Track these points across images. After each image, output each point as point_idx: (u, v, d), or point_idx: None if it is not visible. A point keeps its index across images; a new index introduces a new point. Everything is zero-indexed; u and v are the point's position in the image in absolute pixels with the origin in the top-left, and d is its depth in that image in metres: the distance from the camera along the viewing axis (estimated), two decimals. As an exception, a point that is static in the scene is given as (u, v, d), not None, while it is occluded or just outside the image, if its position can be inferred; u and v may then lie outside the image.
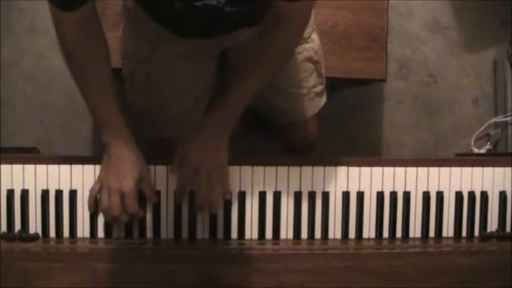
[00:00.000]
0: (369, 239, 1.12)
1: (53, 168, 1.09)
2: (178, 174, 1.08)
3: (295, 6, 0.97)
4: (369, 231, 1.12)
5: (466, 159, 1.20)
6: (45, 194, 1.08)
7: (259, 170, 1.10)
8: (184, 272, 0.99)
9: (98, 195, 1.07)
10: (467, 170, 1.13)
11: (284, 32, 1.03)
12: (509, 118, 1.79)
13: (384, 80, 1.56)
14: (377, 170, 1.12)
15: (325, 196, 1.11)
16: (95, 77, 1.05)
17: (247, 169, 1.10)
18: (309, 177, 1.11)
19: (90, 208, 1.08)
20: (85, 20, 1.00)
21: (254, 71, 1.07)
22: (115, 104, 1.07)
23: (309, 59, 1.28)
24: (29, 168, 1.08)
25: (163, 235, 1.09)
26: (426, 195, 1.12)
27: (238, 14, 1.03)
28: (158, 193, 1.09)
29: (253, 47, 1.07)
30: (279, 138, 1.50)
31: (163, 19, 1.13)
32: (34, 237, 1.07)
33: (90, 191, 1.08)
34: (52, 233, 1.09)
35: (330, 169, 1.11)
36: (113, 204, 1.04)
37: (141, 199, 1.07)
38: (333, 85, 1.50)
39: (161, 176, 1.10)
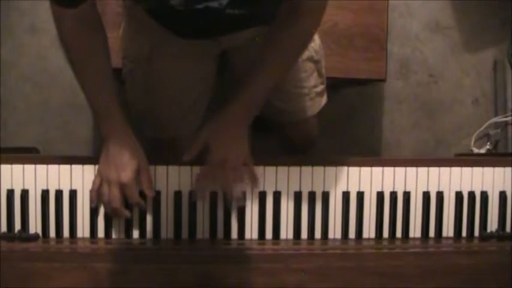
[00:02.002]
0: (368, 239, 1.12)
1: (53, 168, 1.09)
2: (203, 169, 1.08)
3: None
4: (369, 231, 1.12)
5: (466, 159, 1.20)
6: (45, 194, 1.08)
7: (259, 170, 1.10)
8: (184, 272, 0.98)
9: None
10: (467, 170, 1.13)
11: (302, 23, 1.04)
12: (509, 118, 1.79)
13: (384, 80, 1.56)
14: (377, 170, 1.12)
15: (325, 196, 1.11)
16: (95, 71, 1.05)
17: (247, 169, 1.10)
18: (309, 177, 1.11)
19: (92, 201, 1.08)
20: (85, 16, 1.00)
21: (273, 62, 1.08)
22: (114, 97, 1.07)
23: (310, 59, 1.28)
24: (29, 168, 1.08)
25: (163, 235, 1.09)
26: (426, 195, 1.12)
27: (240, 16, 1.03)
28: (158, 193, 1.09)
29: (270, 37, 1.07)
30: (279, 138, 1.51)
31: (164, 20, 1.13)
32: (34, 237, 1.07)
33: (92, 184, 1.08)
34: (52, 233, 1.09)
35: (330, 169, 1.11)
36: (113, 196, 1.05)
37: (141, 195, 1.08)
38: (333, 85, 1.50)
39: (161, 176, 1.10)
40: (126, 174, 1.05)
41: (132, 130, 1.09)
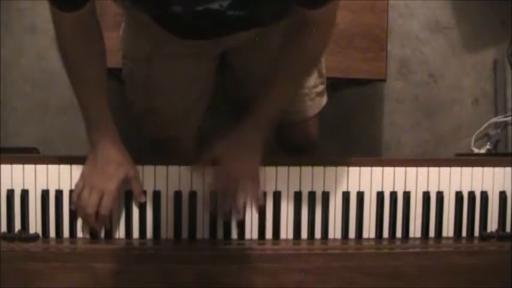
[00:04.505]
0: (368, 239, 1.12)
1: (53, 168, 1.09)
2: (217, 185, 1.08)
3: (322, 11, 0.96)
4: (369, 231, 1.12)
5: (466, 159, 1.20)
6: (45, 194, 1.08)
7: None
8: (184, 272, 0.98)
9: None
10: (467, 170, 1.13)
11: (313, 37, 1.03)
12: (509, 118, 1.79)
13: (384, 80, 1.56)
14: (377, 170, 1.12)
15: (325, 196, 1.11)
16: (89, 77, 1.05)
17: (247, 169, 1.10)
18: (309, 177, 1.11)
19: (73, 204, 1.07)
20: (83, 21, 1.00)
21: (285, 77, 1.07)
22: (105, 105, 1.07)
23: (310, 59, 1.28)
24: (29, 168, 1.08)
25: (163, 235, 1.09)
26: (426, 195, 1.12)
27: (241, 17, 1.03)
28: (158, 193, 1.09)
29: (281, 52, 1.06)
30: (279, 138, 1.50)
31: (163, 22, 1.13)
32: (34, 237, 1.07)
33: (75, 187, 1.07)
34: (52, 233, 1.09)
35: (330, 169, 1.11)
36: (91, 202, 1.05)
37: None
38: (333, 85, 1.50)
39: (161, 176, 1.10)
40: (111, 184, 1.05)
41: (120, 139, 1.09)
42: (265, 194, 1.10)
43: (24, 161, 1.09)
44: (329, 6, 0.96)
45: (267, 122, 1.08)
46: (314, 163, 1.11)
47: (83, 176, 1.07)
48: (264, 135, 1.09)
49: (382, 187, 1.12)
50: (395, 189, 1.12)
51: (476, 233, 1.13)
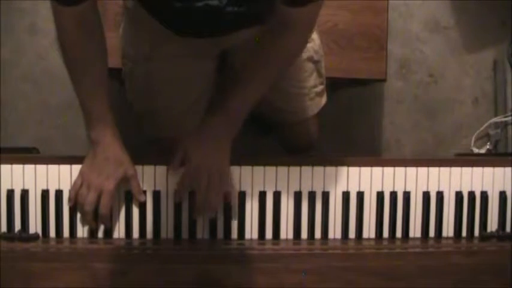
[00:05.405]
0: (368, 239, 1.12)
1: (53, 168, 1.09)
2: (179, 173, 1.08)
3: (301, 11, 0.97)
4: (369, 231, 1.12)
5: (466, 159, 1.20)
6: (45, 194, 1.08)
7: (259, 170, 1.10)
8: (184, 272, 0.99)
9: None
10: (467, 170, 1.13)
11: (289, 37, 1.03)
12: (509, 118, 1.80)
13: (384, 80, 1.56)
14: (377, 170, 1.12)
15: (325, 196, 1.11)
16: (89, 75, 1.05)
17: (247, 169, 1.10)
18: (309, 177, 1.11)
19: (70, 200, 1.08)
20: (84, 16, 1.00)
21: (258, 75, 1.07)
22: (106, 103, 1.07)
23: (310, 59, 1.28)
24: (29, 168, 1.08)
25: (163, 235, 1.09)
26: (426, 195, 1.12)
27: (240, 14, 1.03)
28: (158, 193, 1.09)
29: (256, 50, 1.07)
30: (279, 138, 1.50)
31: (163, 19, 1.13)
32: (34, 237, 1.07)
33: (73, 184, 1.08)
34: (52, 233, 1.09)
35: (330, 169, 1.11)
36: (89, 200, 1.05)
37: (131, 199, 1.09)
38: (333, 85, 1.50)
39: (161, 176, 1.10)
40: (109, 183, 1.05)
41: (120, 137, 1.09)
42: (265, 193, 1.10)
43: (24, 161, 1.09)
44: (310, 7, 0.96)
45: (237, 119, 1.08)
46: (314, 163, 1.11)
47: (81, 173, 1.08)
48: (233, 131, 1.09)
49: (382, 187, 1.12)
50: (395, 189, 1.12)
51: (476, 233, 1.13)
